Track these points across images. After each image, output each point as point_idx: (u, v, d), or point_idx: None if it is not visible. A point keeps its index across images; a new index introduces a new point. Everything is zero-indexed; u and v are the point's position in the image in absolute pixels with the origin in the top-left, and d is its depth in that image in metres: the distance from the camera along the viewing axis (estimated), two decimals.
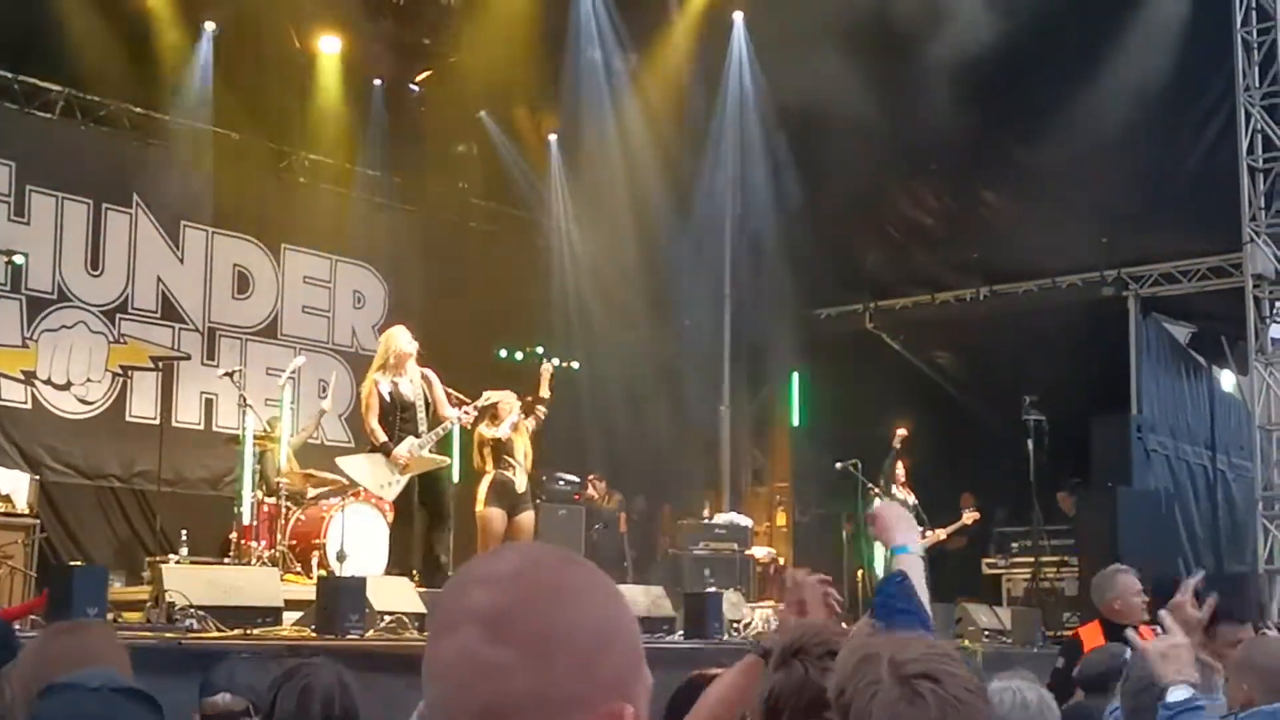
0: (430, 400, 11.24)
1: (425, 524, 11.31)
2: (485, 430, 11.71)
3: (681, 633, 11.15)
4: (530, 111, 17.38)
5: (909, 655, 2.33)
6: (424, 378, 11.24)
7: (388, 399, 11.05)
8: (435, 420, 11.23)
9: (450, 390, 11.44)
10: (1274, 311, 15.96)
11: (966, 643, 11.70)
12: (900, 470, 15.03)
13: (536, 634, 1.38)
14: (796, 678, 2.92)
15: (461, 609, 1.39)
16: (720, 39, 17.31)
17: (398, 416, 11.06)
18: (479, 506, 11.79)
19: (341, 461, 11.56)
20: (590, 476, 15.77)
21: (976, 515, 15.30)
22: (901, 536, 3.64)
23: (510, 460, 11.77)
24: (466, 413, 11.38)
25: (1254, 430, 15.97)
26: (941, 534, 14.81)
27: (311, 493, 12.47)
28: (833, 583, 3.75)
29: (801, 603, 3.68)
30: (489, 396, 11.55)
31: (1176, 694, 3.30)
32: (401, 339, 11.19)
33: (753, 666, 3.68)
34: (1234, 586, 14.35)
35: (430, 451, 11.20)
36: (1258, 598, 14.72)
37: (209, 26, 14.86)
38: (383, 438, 10.99)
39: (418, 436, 11.07)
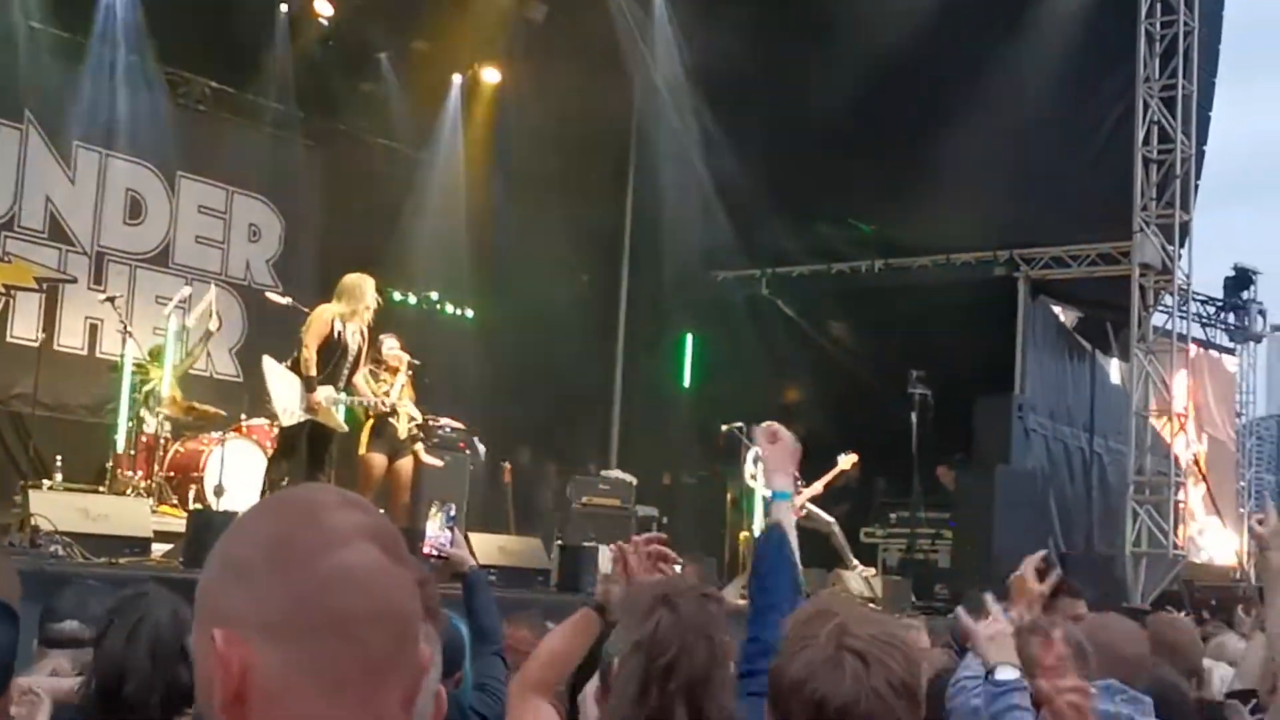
0: (358, 360, 11.10)
1: (306, 462, 11.20)
2: (371, 387, 11.67)
3: (555, 585, 11.21)
4: (436, 54, 17.18)
5: (857, 629, 2.29)
6: (362, 333, 11.03)
7: (334, 336, 10.80)
8: (349, 378, 11.07)
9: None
10: (1158, 301, 16.31)
11: None
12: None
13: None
14: (674, 619, 2.90)
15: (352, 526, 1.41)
16: None
17: (334, 358, 10.85)
18: (361, 450, 11.79)
19: (269, 362, 10.99)
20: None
21: (855, 458, 15.29)
22: (781, 480, 3.66)
23: (392, 408, 11.78)
24: (384, 403, 11.44)
25: (1131, 415, 16.32)
26: (819, 486, 14.92)
27: (193, 425, 12.34)
28: (666, 541, 3.79)
29: (626, 564, 3.72)
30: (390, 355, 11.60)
31: (1004, 673, 3.37)
32: (371, 291, 10.96)
33: (586, 619, 3.72)
34: (1092, 566, 14.72)
35: (338, 411, 11.08)
36: (1116, 579, 15.09)
37: None
38: (313, 370, 10.68)
39: (337, 390, 10.96)
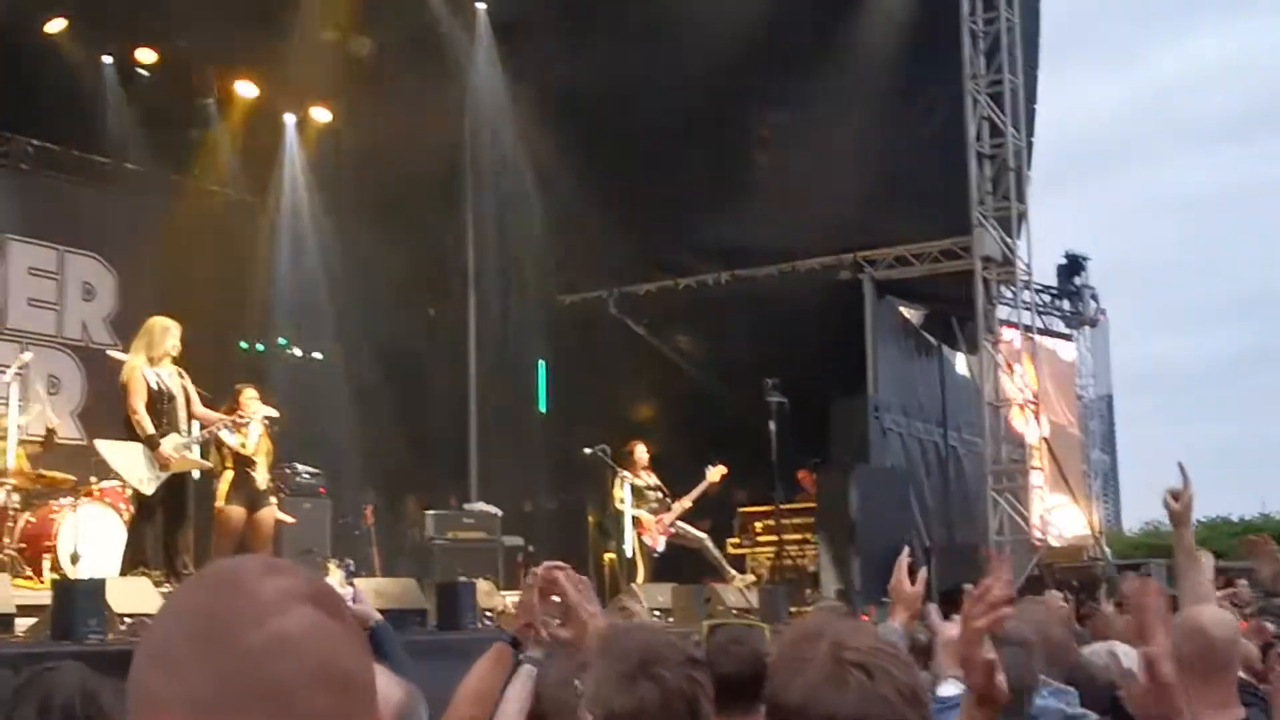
0: (186, 396, 10.88)
1: (164, 521, 10.91)
2: (226, 436, 11.49)
3: (435, 624, 11.05)
4: (263, 93, 16.92)
5: (852, 643, 2.25)
6: (179, 373, 10.86)
7: (155, 388, 10.61)
8: (189, 416, 10.87)
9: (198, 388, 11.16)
10: (1000, 292, 16.66)
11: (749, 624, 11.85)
12: (642, 453, 15.09)
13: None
14: (660, 693, 2.80)
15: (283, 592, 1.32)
16: (465, 23, 17.19)
17: (162, 407, 10.65)
18: (219, 503, 11.59)
19: (101, 445, 10.91)
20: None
21: (723, 470, 15.33)
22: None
23: (250, 458, 11.61)
24: (236, 421, 11.26)
25: (983, 407, 16.64)
26: (687, 501, 14.95)
27: (40, 493, 11.95)
28: (572, 567, 3.74)
29: (553, 589, 3.64)
30: (250, 405, 11.42)
31: (946, 689, 3.33)
32: (172, 332, 10.75)
33: (503, 654, 3.64)
34: (957, 556, 14.96)
35: (193, 453, 10.86)
36: (981, 568, 15.32)
37: None
38: (150, 428, 10.50)
39: (179, 434, 10.71)
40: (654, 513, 14.70)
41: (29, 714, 3.21)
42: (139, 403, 10.51)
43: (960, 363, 18.83)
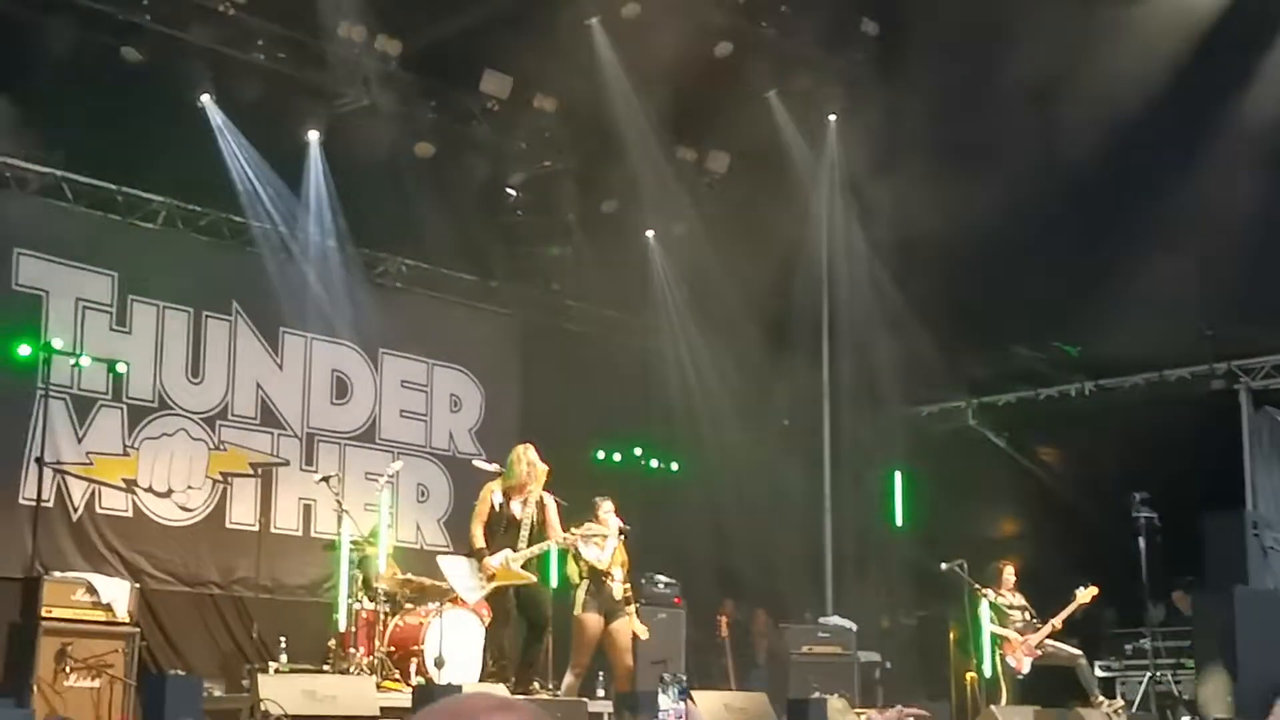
0: (540, 524, 11.36)
1: (524, 632, 11.30)
2: (585, 551, 11.76)
3: None
4: (623, 212, 17.36)
5: None
6: (540, 503, 11.40)
7: (497, 509, 11.24)
8: (540, 539, 11.24)
9: (559, 500, 11.56)
10: None
11: None
12: (1009, 573, 14.66)
13: None
14: None
15: None
16: (815, 135, 17.27)
17: (501, 528, 11.20)
18: (576, 610, 11.79)
19: (441, 560, 11.72)
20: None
21: (1095, 590, 14.73)
22: None
23: (606, 570, 11.81)
24: (568, 538, 11.57)
25: None
26: (1057, 622, 14.39)
27: (409, 598, 12.37)
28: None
29: None
30: (590, 528, 11.70)
31: None
32: (524, 459, 11.41)
33: None
34: None
35: (524, 567, 11.16)
36: None
37: (313, 135, 15.02)
38: (480, 544, 11.12)
39: (513, 551, 11.06)
40: (1020, 633, 14.20)
41: None
42: (478, 522, 11.27)
43: None
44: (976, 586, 14.51)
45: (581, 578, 11.91)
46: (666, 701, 4.67)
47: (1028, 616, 14.34)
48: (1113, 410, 17.15)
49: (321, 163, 15.02)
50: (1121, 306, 16.17)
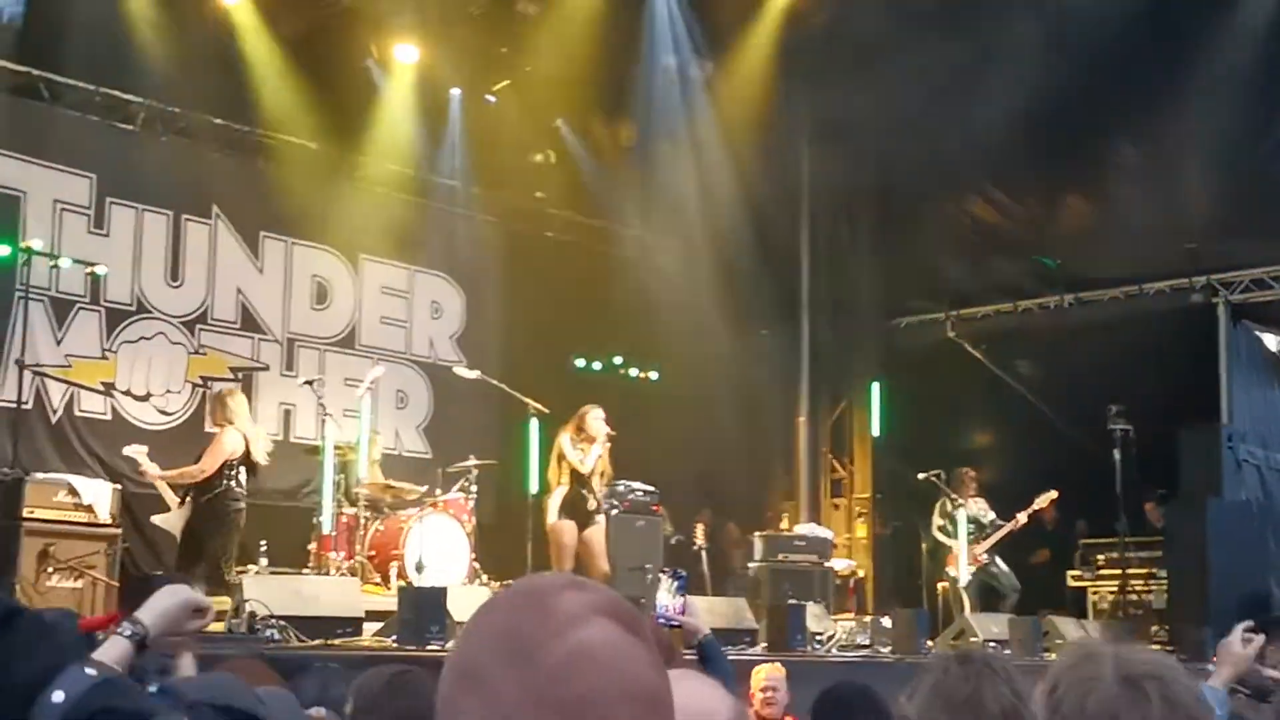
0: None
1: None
2: (570, 452, 11.80)
3: (764, 645, 11.01)
4: (606, 120, 17.26)
5: (1135, 657, 2.26)
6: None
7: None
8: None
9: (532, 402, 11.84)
10: None
11: None
12: (969, 480, 14.82)
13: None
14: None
15: (582, 605, 1.33)
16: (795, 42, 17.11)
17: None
18: (551, 519, 11.87)
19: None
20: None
21: (1054, 495, 14.92)
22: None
23: (587, 476, 11.90)
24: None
25: None
26: (1021, 517, 14.59)
27: (390, 503, 12.42)
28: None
29: None
30: (594, 425, 12.12)
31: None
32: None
33: None
34: None
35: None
36: None
37: (286, 35, 14.84)
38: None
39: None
40: (976, 541, 14.39)
41: (401, 708, 3.32)
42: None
43: None
44: (953, 496, 14.66)
45: (559, 483, 11.97)
46: (665, 596, 4.67)
47: (985, 523, 14.55)
48: (1092, 324, 17.19)
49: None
50: (1103, 220, 16.20)
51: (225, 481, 10.72)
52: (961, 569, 14.36)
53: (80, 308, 13.58)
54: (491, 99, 16.69)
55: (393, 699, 3.38)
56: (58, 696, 1.30)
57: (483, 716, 1.27)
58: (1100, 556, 16.09)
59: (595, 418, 12.06)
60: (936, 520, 14.83)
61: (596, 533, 12.07)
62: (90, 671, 1.30)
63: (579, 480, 11.99)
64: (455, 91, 16.35)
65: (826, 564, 15.16)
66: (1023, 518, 14.64)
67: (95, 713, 1.30)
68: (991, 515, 14.76)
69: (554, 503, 12.01)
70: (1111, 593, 15.74)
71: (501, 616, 1.34)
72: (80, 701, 1.31)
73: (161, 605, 2.85)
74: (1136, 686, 2.18)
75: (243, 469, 10.93)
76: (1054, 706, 2.25)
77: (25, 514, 10.42)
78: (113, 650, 2.79)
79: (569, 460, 11.93)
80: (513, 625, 1.31)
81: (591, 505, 12.06)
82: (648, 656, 1.32)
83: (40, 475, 11.29)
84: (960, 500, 14.58)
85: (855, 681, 4.91)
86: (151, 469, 10.84)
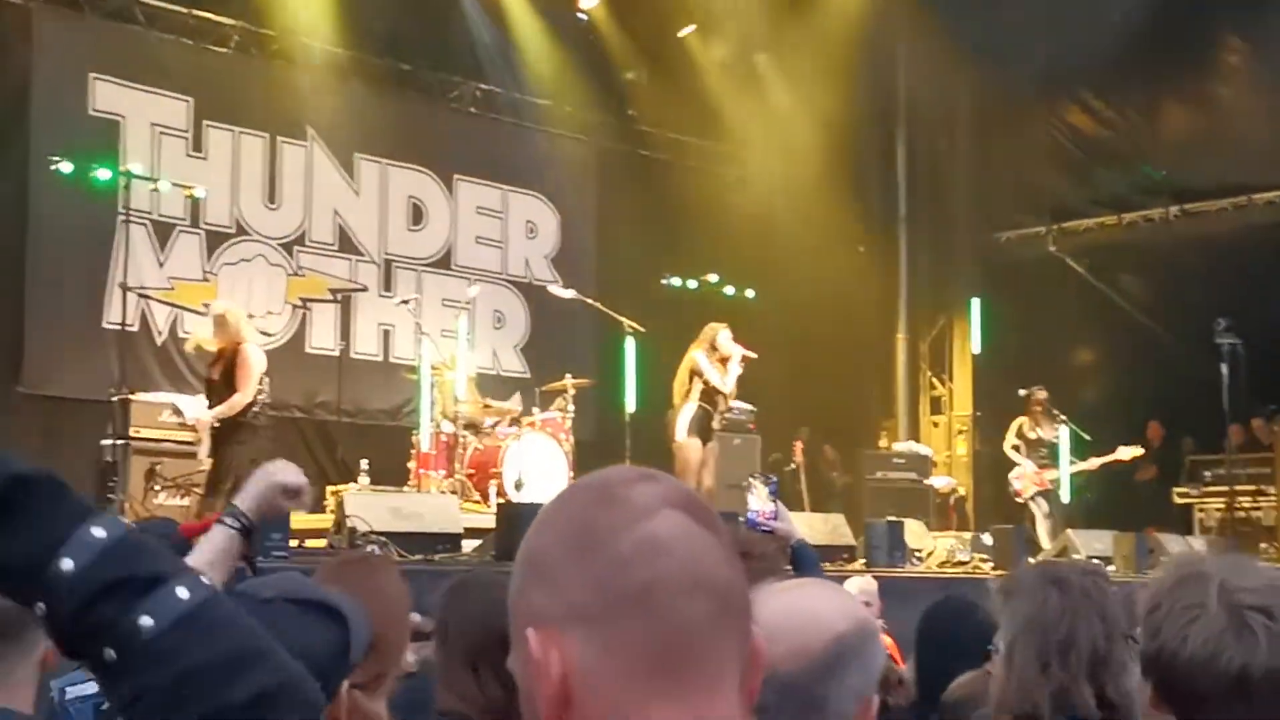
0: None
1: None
2: (708, 371, 11.69)
3: (862, 560, 10.96)
4: (702, 36, 17.06)
5: (1244, 583, 2.13)
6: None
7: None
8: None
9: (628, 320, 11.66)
10: None
11: None
12: (1037, 402, 14.55)
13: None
14: (1064, 597, 2.81)
15: (653, 497, 1.31)
16: None
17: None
18: (679, 436, 11.78)
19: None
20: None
21: (1138, 451, 14.71)
22: None
23: (719, 395, 11.81)
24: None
25: None
26: (1079, 466, 14.37)
27: (488, 422, 12.47)
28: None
29: None
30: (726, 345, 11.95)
31: None
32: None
33: None
34: None
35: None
36: None
37: None
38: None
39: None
40: (1041, 467, 14.15)
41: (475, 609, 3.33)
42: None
43: None
44: (1055, 412, 14.45)
45: (687, 399, 11.87)
46: (756, 501, 4.61)
47: (1046, 450, 14.30)
48: (1197, 236, 16.82)
49: None
50: (1210, 129, 15.80)
51: (260, 397, 10.62)
52: (1029, 487, 14.18)
53: (181, 230, 13.73)
54: (583, 16, 16.54)
55: (468, 600, 3.40)
56: (66, 565, 1.26)
57: (553, 609, 1.27)
58: (1207, 473, 15.83)
59: (726, 337, 11.94)
60: (1010, 440, 14.61)
61: (711, 450, 12.04)
62: (98, 533, 1.25)
63: (707, 398, 11.89)
64: (549, 9, 16.23)
65: (926, 481, 15.05)
66: (1094, 463, 14.41)
67: (109, 581, 1.26)
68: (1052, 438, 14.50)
69: (682, 420, 11.85)
70: (1219, 509, 15.48)
71: (572, 509, 1.33)
72: (89, 569, 1.26)
73: (255, 490, 2.91)
74: (1242, 618, 2.09)
75: (267, 379, 10.81)
76: (1154, 629, 2.17)
77: (132, 434, 10.58)
78: (219, 540, 2.82)
79: (707, 378, 11.80)
80: (583, 517, 1.30)
81: (716, 425, 12.00)
82: (721, 551, 1.30)
83: (146, 395, 11.47)
84: (1064, 418, 14.36)
85: (965, 596, 4.83)
86: (204, 416, 10.60)
